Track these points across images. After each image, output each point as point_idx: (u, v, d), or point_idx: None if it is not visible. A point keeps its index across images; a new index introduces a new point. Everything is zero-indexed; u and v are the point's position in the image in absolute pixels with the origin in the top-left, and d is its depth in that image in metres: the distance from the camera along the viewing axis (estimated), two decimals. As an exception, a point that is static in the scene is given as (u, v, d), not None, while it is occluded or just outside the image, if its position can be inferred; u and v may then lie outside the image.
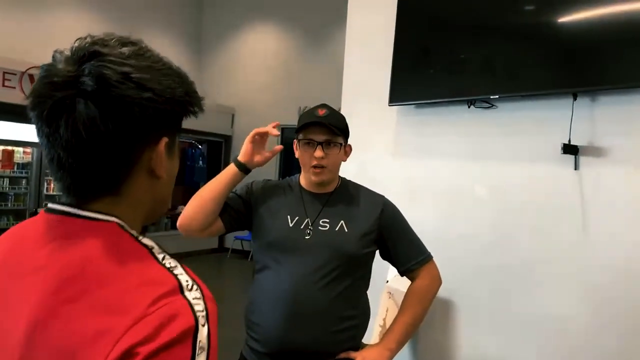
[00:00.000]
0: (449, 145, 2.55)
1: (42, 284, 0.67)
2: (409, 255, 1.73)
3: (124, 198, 0.74)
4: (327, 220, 1.67)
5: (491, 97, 2.28)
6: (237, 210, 1.73)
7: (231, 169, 1.69)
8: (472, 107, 2.38)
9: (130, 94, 0.68)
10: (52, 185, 7.42)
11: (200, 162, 9.32)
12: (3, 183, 6.80)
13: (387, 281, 2.63)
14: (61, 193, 0.74)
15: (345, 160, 1.76)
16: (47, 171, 7.09)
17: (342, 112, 3.13)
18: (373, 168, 2.90)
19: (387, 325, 2.37)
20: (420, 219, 2.64)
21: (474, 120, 2.41)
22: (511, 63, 2.21)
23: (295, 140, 1.71)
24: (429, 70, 2.62)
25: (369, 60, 3.02)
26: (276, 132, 1.69)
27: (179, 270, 0.68)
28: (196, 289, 0.67)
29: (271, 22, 9.72)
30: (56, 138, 0.69)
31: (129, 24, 8.90)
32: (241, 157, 1.69)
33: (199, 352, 0.62)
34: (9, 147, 6.75)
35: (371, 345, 1.70)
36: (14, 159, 6.85)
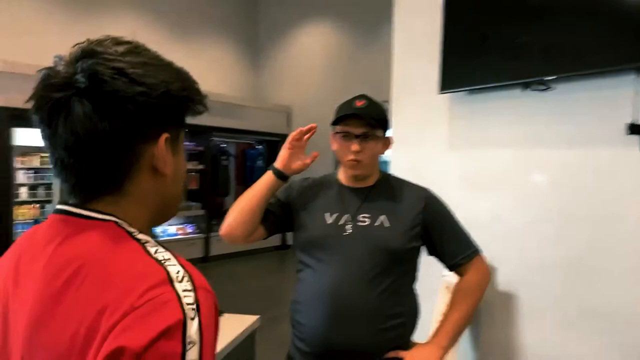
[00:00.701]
0: (504, 133, 2.44)
1: (40, 282, 0.69)
2: (456, 250, 1.65)
3: (128, 196, 0.74)
4: (368, 215, 1.62)
5: (547, 78, 2.15)
6: (276, 215, 1.70)
7: (268, 177, 1.65)
8: (527, 90, 2.26)
9: (122, 88, 0.68)
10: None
11: (259, 162, 9.45)
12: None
13: (444, 275, 2.56)
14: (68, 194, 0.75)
15: (383, 153, 1.69)
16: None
17: (393, 106, 3.09)
18: (427, 162, 2.83)
19: None
20: (478, 212, 2.56)
21: (529, 104, 2.29)
22: (568, 41, 2.08)
23: (332, 132, 1.66)
24: (481, 54, 2.51)
25: (417, 51, 2.94)
26: (312, 129, 1.64)
27: (171, 262, 0.67)
28: (187, 280, 0.65)
29: (326, 19, 9.73)
30: (56, 139, 0.70)
31: (183, 25, 9.19)
32: (278, 164, 1.65)
33: (189, 346, 0.61)
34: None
35: (421, 344, 1.63)
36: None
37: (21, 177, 6.72)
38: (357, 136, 1.59)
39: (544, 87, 2.20)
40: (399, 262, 1.59)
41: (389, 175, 1.76)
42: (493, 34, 2.43)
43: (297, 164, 1.65)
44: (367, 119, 1.58)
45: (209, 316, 0.65)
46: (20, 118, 6.37)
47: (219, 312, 0.69)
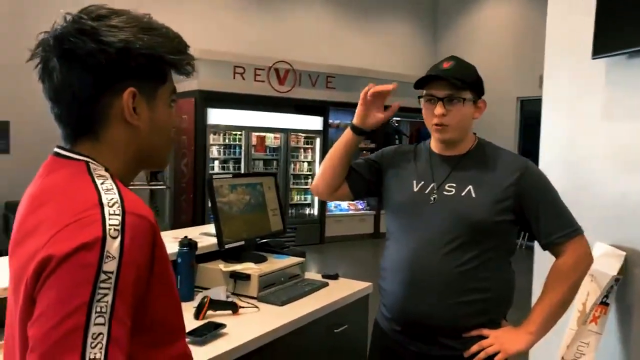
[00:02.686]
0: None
1: (22, 209, 0.85)
2: (552, 227, 1.49)
3: (103, 143, 0.85)
4: (454, 185, 1.55)
5: None
6: (364, 178, 1.72)
7: (347, 133, 1.68)
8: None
9: (81, 46, 0.78)
10: (297, 166, 8.31)
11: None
12: (258, 164, 7.89)
13: (590, 264, 2.27)
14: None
15: (477, 118, 1.58)
16: (293, 154, 8.00)
17: (545, 73, 2.79)
18: (578, 134, 2.51)
19: (588, 310, 2.05)
20: (636, 194, 2.20)
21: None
22: None
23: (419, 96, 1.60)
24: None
25: (571, 11, 2.60)
26: (390, 86, 1.58)
27: (110, 192, 0.77)
28: (118, 206, 0.75)
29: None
30: (45, 91, 0.83)
31: (366, 5, 9.36)
32: (354, 120, 1.66)
33: (107, 260, 0.71)
34: (262, 134, 7.78)
35: (509, 327, 1.53)
36: (265, 144, 7.86)
37: (214, 152, 7.59)
38: (440, 99, 1.52)
39: None
40: (485, 235, 1.50)
41: (486, 143, 1.65)
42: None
43: (372, 119, 1.65)
44: (451, 80, 1.49)
45: (135, 236, 0.75)
46: (213, 99, 7.22)
47: (156, 235, 0.79)
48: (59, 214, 0.75)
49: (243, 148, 7.67)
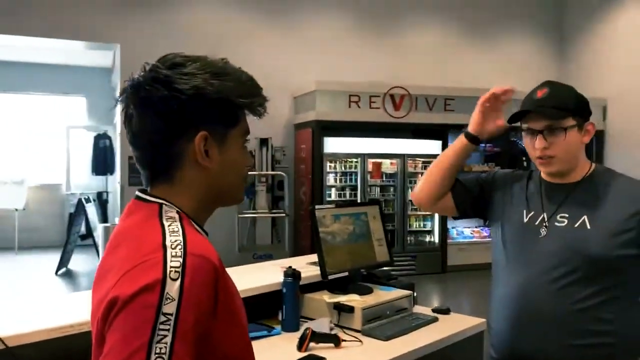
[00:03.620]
0: None
1: (107, 248, 0.89)
2: None
3: (177, 185, 0.88)
4: (566, 215, 1.42)
5: None
6: (472, 195, 1.64)
7: (460, 141, 1.61)
8: None
9: (154, 94, 0.83)
10: (415, 192, 8.11)
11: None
12: (374, 191, 7.85)
13: None
14: None
15: (586, 142, 1.45)
16: (410, 179, 7.86)
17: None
18: None
19: None
20: None
21: None
22: None
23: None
24: None
25: None
26: (510, 87, 1.51)
27: (174, 234, 0.79)
28: (180, 248, 0.78)
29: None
30: (128, 136, 0.88)
31: (485, 23, 9.09)
32: (470, 127, 1.58)
33: (167, 301, 0.73)
34: (378, 160, 7.75)
35: None
36: (381, 170, 7.82)
37: (331, 179, 7.70)
38: (539, 132, 1.42)
39: None
40: (604, 270, 1.36)
41: (605, 169, 1.51)
42: None
43: (490, 126, 1.57)
44: (547, 113, 1.39)
45: (195, 277, 0.76)
46: (329, 128, 7.36)
47: (218, 276, 0.80)
48: (128, 256, 0.79)
49: (359, 175, 7.69)
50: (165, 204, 0.87)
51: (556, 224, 1.44)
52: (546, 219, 1.46)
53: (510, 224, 1.52)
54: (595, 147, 8.91)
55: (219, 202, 0.94)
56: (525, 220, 1.49)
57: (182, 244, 0.79)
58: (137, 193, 0.92)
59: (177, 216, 0.85)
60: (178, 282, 0.74)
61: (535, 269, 1.42)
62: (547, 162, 1.44)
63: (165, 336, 0.71)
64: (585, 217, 1.40)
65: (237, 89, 0.87)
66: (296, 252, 7.23)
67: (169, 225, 0.82)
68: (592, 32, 9.28)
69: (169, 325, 0.72)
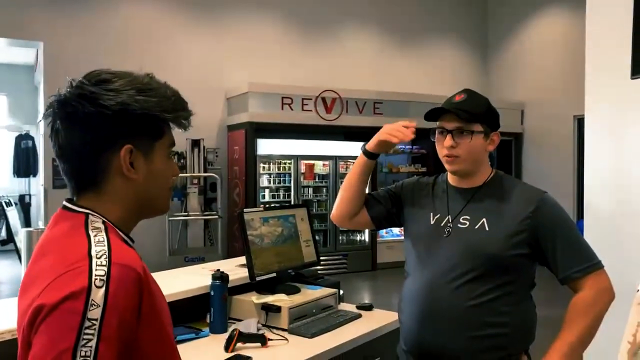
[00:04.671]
0: None
1: (32, 258, 0.92)
2: (570, 261, 1.46)
3: (104, 195, 0.93)
4: (468, 217, 1.56)
5: None
6: (385, 208, 1.75)
7: (360, 158, 1.71)
8: None
9: (80, 109, 0.87)
10: (347, 192, 8.30)
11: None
12: (307, 192, 7.97)
13: (639, 290, 2.15)
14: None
15: (490, 150, 1.60)
16: (342, 180, 8.02)
17: (587, 91, 2.72)
18: (629, 158, 2.42)
19: (639, 341, 1.95)
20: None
21: None
22: None
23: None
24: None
25: (610, 32, 2.54)
26: (409, 136, 1.61)
27: (100, 245, 0.84)
28: (105, 257, 0.82)
29: (559, 5, 8.88)
30: (54, 149, 0.92)
31: (416, 32, 9.42)
32: (370, 146, 1.69)
33: (92, 307, 0.77)
34: (311, 161, 7.88)
35: None
36: (314, 171, 7.95)
37: (265, 181, 7.75)
38: (450, 131, 1.54)
39: None
40: (500, 268, 1.50)
41: (503, 175, 1.65)
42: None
43: (387, 146, 1.67)
44: (459, 114, 1.51)
45: (120, 286, 0.81)
46: (262, 130, 7.41)
47: (142, 283, 0.85)
48: (54, 265, 0.83)
49: (292, 176, 7.78)
50: (92, 214, 0.91)
51: (459, 225, 1.56)
52: (450, 221, 1.58)
53: (419, 226, 1.64)
54: (514, 148, 9.48)
55: (145, 210, 0.98)
56: (432, 221, 1.62)
57: (107, 253, 0.83)
58: (64, 203, 0.95)
59: (102, 226, 0.89)
60: (103, 289, 0.79)
61: (439, 268, 1.54)
62: (452, 161, 1.56)
63: (91, 340, 0.76)
64: (484, 219, 1.53)
65: (161, 104, 0.92)
66: (230, 254, 7.22)
67: (94, 236, 0.86)
68: (513, 40, 9.85)
69: (94, 329, 0.76)
